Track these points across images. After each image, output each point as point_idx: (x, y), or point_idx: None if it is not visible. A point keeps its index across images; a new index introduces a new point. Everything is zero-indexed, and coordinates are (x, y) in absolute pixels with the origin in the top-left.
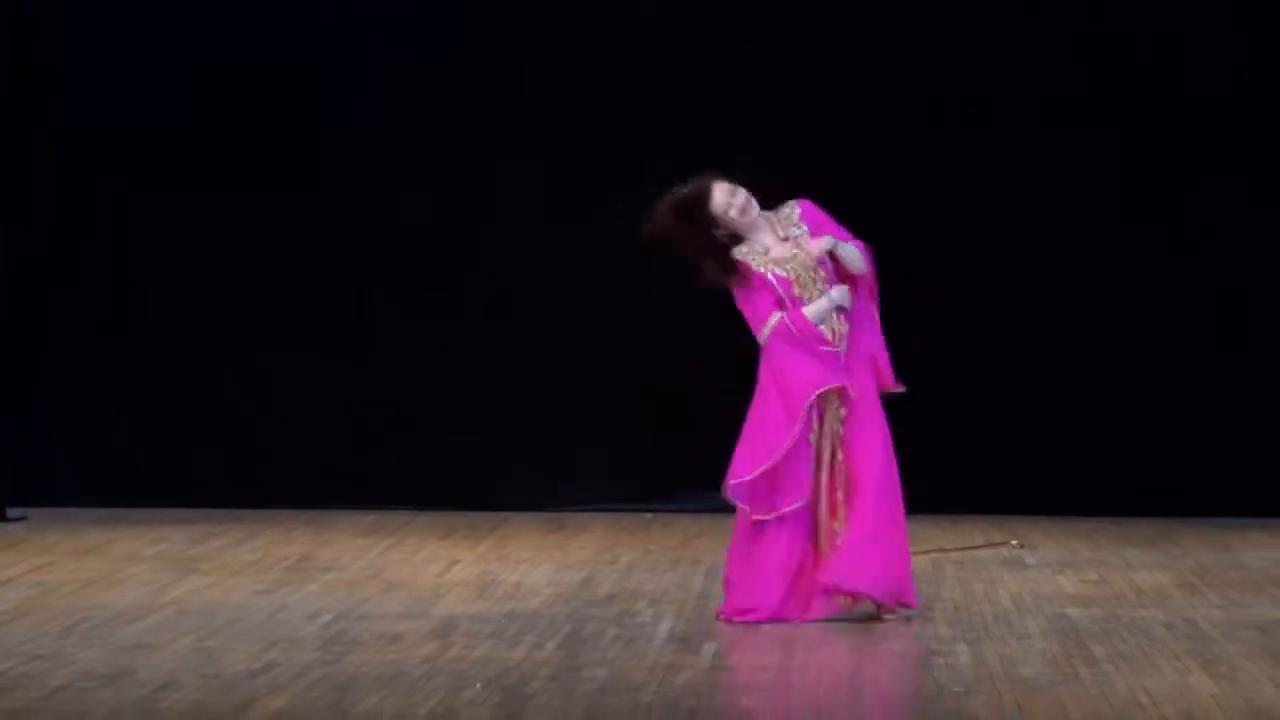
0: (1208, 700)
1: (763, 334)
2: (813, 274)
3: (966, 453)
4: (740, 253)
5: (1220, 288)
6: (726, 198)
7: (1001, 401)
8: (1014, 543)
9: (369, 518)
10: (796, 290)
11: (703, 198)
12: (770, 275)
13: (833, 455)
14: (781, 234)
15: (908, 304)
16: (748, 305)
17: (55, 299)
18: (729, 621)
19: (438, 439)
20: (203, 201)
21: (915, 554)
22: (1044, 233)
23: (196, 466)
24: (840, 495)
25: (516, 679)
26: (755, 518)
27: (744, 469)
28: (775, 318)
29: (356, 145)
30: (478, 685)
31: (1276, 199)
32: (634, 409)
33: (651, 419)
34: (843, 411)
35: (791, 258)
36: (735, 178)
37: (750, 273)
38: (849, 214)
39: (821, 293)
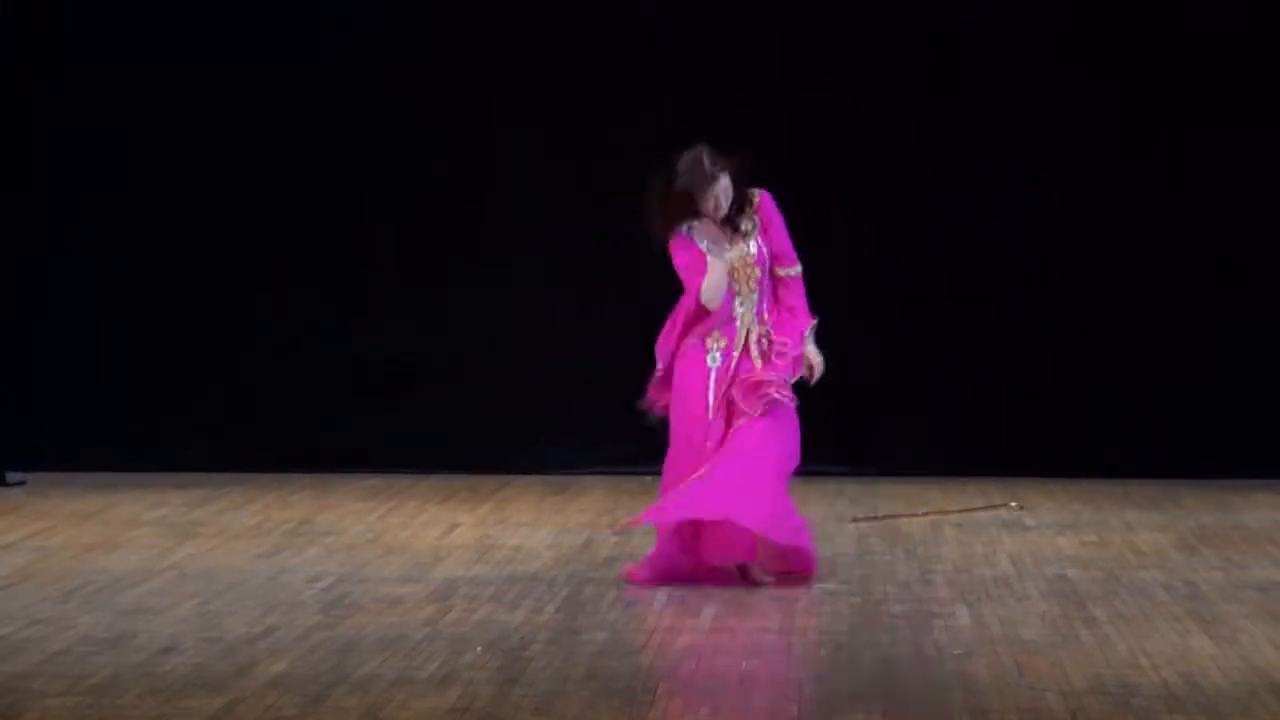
0: (1207, 661)
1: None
2: (749, 271)
3: (967, 415)
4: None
5: (1223, 249)
6: (715, 202)
7: (1002, 363)
8: (1013, 504)
9: (369, 481)
10: (732, 283)
11: (698, 192)
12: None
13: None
14: (735, 223)
15: (908, 268)
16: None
17: (52, 264)
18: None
19: (438, 402)
20: (201, 162)
21: (916, 516)
22: (1043, 193)
23: (196, 430)
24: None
25: (516, 642)
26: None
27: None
28: None
29: (356, 113)
30: (478, 648)
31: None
32: (636, 370)
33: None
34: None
35: (737, 254)
36: (728, 133)
37: (693, 245)
38: (849, 172)
39: (753, 290)
